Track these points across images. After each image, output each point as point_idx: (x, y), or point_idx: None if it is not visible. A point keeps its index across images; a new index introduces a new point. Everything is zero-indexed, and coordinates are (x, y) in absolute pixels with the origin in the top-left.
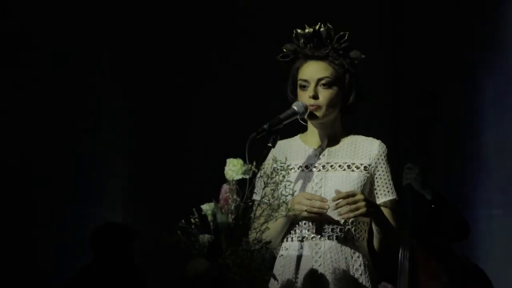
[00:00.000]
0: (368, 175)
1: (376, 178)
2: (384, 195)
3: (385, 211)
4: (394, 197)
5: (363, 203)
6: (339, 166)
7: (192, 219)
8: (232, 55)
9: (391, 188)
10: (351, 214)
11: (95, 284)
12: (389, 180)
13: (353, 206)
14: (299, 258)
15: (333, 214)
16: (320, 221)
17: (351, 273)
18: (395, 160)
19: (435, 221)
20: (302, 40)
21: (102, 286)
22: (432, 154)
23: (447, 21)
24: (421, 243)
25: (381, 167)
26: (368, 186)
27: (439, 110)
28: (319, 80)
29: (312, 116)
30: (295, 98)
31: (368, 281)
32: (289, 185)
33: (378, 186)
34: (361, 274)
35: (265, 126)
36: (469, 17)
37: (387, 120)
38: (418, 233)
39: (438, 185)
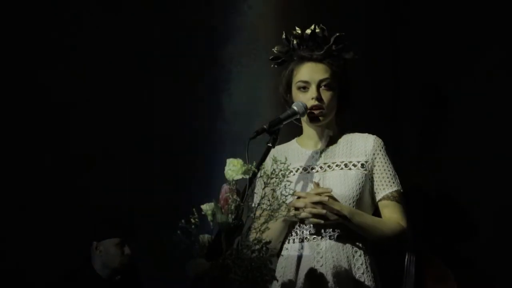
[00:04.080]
0: (366, 172)
1: (375, 172)
2: (385, 187)
3: (390, 204)
4: (397, 188)
5: (324, 211)
6: (337, 165)
7: (192, 219)
8: (233, 55)
9: (393, 180)
10: (311, 220)
11: (93, 280)
12: (389, 171)
13: (315, 211)
14: (300, 258)
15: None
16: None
17: (353, 272)
18: (396, 159)
19: (442, 222)
20: (295, 41)
21: (100, 283)
22: (439, 153)
23: (447, 17)
24: (427, 244)
25: (379, 160)
26: (369, 184)
27: (445, 108)
28: (320, 81)
29: (314, 119)
30: (288, 99)
31: (370, 280)
32: (288, 185)
33: (378, 179)
34: (363, 273)
35: (265, 126)
36: (470, 13)
37: (387, 119)
38: (424, 234)
39: (444, 184)
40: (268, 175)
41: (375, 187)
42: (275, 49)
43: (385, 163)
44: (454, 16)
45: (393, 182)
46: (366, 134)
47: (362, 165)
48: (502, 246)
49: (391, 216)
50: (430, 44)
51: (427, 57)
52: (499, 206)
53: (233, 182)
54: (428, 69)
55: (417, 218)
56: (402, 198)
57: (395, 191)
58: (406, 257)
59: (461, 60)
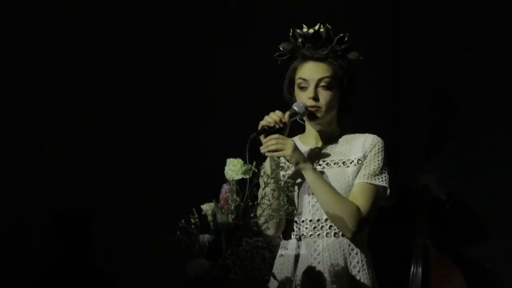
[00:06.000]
0: (361, 165)
1: (364, 163)
2: (368, 177)
3: (362, 188)
4: (380, 183)
5: (273, 141)
6: (335, 163)
7: (192, 219)
8: (232, 54)
9: (379, 175)
10: (264, 150)
11: (64, 274)
12: (377, 166)
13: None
14: (297, 256)
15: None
16: (318, 219)
17: (349, 269)
18: (397, 159)
19: (450, 222)
20: (300, 40)
21: (71, 277)
22: (448, 155)
23: (448, 17)
24: (436, 244)
25: (372, 154)
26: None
27: (446, 107)
28: (319, 80)
29: (312, 117)
30: (291, 97)
31: (366, 277)
32: (290, 184)
33: (363, 168)
34: (359, 271)
35: (265, 126)
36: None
37: (388, 119)
38: (433, 234)
39: (447, 184)
40: (268, 175)
41: (358, 174)
42: (280, 46)
43: (377, 159)
44: (455, 15)
45: (379, 177)
46: (367, 134)
47: (359, 160)
48: (509, 245)
49: (356, 198)
50: (430, 44)
51: (427, 57)
52: (506, 205)
53: (233, 182)
54: (428, 69)
55: (424, 218)
56: (380, 194)
57: (377, 185)
58: (413, 256)
59: (462, 60)
